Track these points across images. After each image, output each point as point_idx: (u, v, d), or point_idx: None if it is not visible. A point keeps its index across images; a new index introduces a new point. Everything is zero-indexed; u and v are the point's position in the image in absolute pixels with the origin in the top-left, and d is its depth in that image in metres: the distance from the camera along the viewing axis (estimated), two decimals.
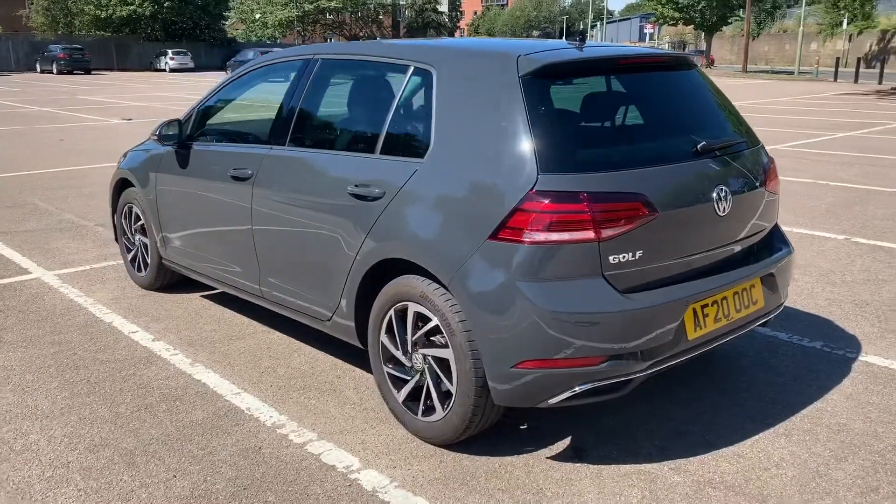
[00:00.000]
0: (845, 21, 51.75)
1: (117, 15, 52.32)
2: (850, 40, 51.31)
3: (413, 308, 3.02)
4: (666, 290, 2.81)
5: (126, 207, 5.10)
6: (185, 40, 55.32)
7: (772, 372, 3.77)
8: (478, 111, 2.90)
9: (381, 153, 3.22)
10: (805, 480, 2.84)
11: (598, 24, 73.51)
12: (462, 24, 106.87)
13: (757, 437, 3.16)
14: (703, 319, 2.90)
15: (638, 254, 2.72)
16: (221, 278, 4.24)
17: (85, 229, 6.78)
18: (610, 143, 3.01)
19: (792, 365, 3.85)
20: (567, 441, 3.13)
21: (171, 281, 5.02)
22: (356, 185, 3.21)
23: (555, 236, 2.63)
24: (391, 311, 3.13)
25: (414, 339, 3.06)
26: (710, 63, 49.14)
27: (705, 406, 3.41)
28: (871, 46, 50.13)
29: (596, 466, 2.94)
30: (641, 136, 3.06)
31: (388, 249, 3.07)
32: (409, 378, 3.13)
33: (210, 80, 37.96)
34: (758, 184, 3.23)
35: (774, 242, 3.41)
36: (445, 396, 2.98)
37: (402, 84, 3.24)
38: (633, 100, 3.16)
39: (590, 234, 2.63)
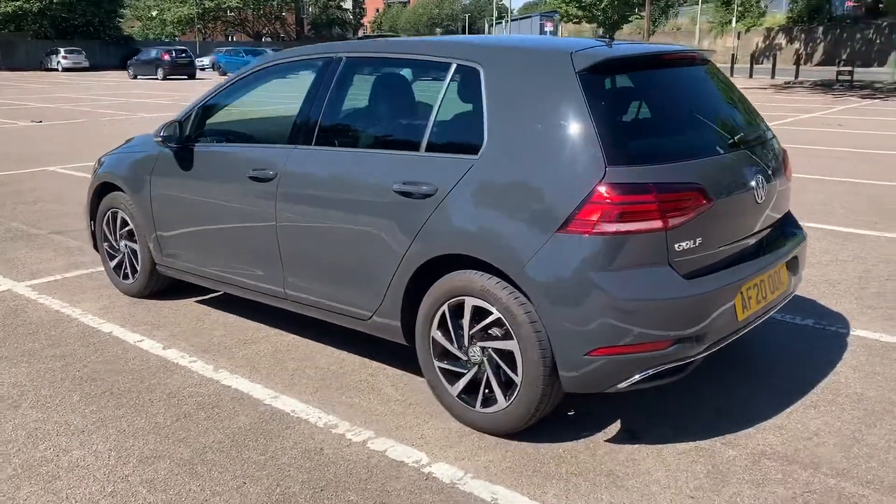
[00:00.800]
0: (734, 19, 54.55)
1: (2, 11, 49.37)
2: (738, 37, 53.96)
3: (471, 302, 3.06)
4: (720, 275, 2.97)
5: (109, 213, 4.89)
6: (77, 38, 52.75)
7: (780, 349, 4.02)
8: (534, 107, 2.97)
9: (426, 151, 3.25)
10: (846, 446, 3.06)
11: (503, 21, 74.63)
12: (364, 20, 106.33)
13: (789, 410, 3.37)
14: (749, 301, 3.08)
15: (698, 241, 2.87)
16: (232, 281, 4.15)
17: (40, 238, 6.44)
18: (665, 136, 3.15)
19: (795, 342, 4.11)
20: (617, 424, 3.26)
21: (161, 287, 4.87)
22: (403, 183, 3.22)
23: (624, 227, 2.74)
24: (444, 307, 3.17)
25: (471, 332, 3.11)
26: None
27: (732, 385, 3.61)
28: (758, 44, 52.85)
29: (654, 446, 3.07)
30: (688, 128, 3.21)
31: (443, 245, 3.10)
32: (464, 371, 3.17)
33: (111, 80, 36.41)
34: (781, 171, 3.45)
35: (792, 228, 3.65)
36: (507, 386, 3.05)
37: (443, 82, 3.27)
38: (674, 94, 3.31)
39: (658, 224, 2.75)
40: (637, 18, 50.77)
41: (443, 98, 3.27)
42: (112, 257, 5.01)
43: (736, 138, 3.19)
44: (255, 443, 3.12)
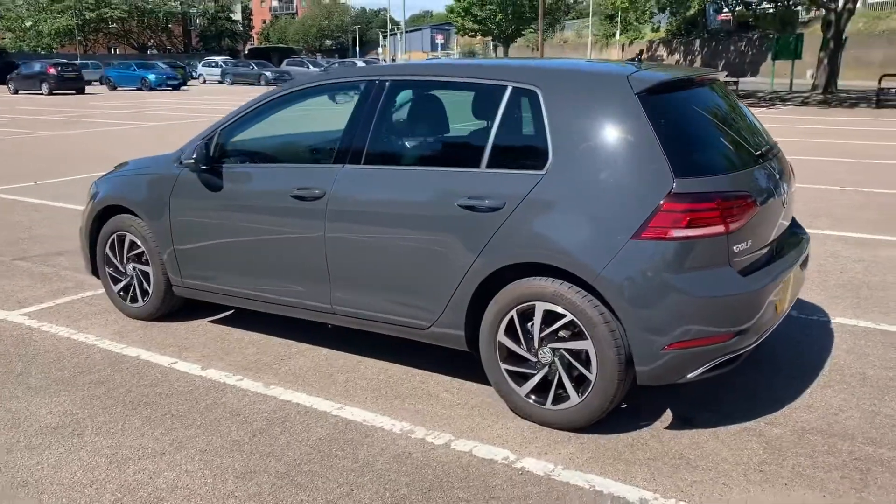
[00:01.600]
0: (618, 32, 57.23)
1: None
2: (622, 50, 56.60)
3: (542, 307, 3.30)
4: (765, 273, 3.33)
5: (114, 237, 4.82)
6: None
7: (778, 338, 4.45)
8: (597, 126, 3.25)
9: (487, 167, 3.47)
10: (869, 418, 3.49)
11: (397, 34, 75.16)
12: (252, 32, 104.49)
13: (809, 391, 3.78)
14: (784, 296, 3.47)
15: (749, 243, 3.22)
16: (266, 299, 4.22)
17: (4, 265, 6.19)
18: (713, 149, 3.48)
19: (791, 331, 4.57)
20: (668, 413, 3.57)
21: (173, 309, 4.85)
22: (469, 198, 3.42)
23: (692, 232, 3.06)
24: (512, 312, 3.39)
25: (542, 335, 3.34)
26: None
27: (750, 373, 3.99)
28: (639, 55, 55.65)
29: (709, 430, 3.40)
30: (727, 142, 3.56)
31: (514, 255, 3.32)
32: (533, 372, 3.40)
33: None
34: (791, 178, 3.88)
35: (798, 229, 4.09)
36: (579, 383, 3.30)
37: (500, 103, 3.50)
38: (709, 111, 3.67)
39: (721, 229, 3.08)
40: (531, 32, 52.44)
41: (500, 118, 3.49)
42: (117, 281, 4.93)
43: (763, 150, 3.59)
44: (343, 452, 3.24)
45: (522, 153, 3.49)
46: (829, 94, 24.23)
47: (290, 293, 4.11)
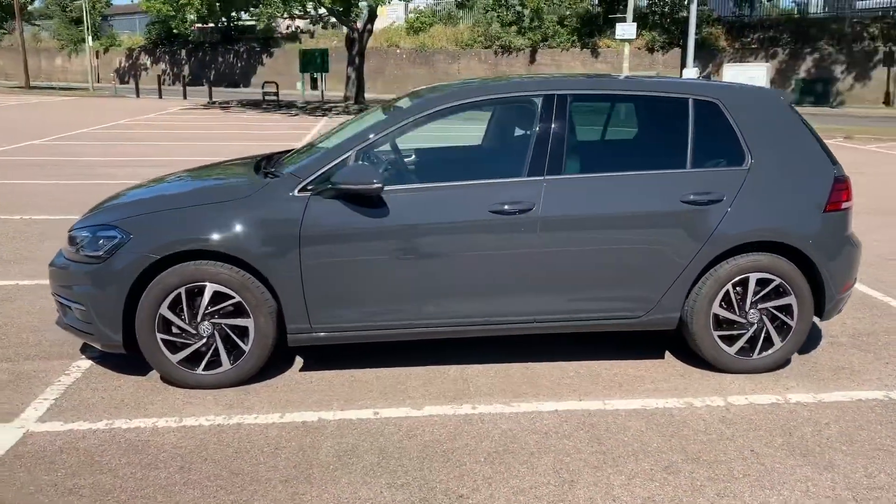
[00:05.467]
0: (90, 38, 53.37)
1: None
2: (98, 56, 53.09)
3: (755, 276, 4.09)
4: None
5: (178, 292, 3.78)
6: None
7: None
8: (776, 131, 4.17)
9: (691, 168, 4.08)
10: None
11: None
12: None
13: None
14: None
15: None
16: (437, 324, 4.00)
17: None
18: None
19: None
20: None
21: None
22: (694, 195, 4.00)
23: (848, 204, 4.24)
24: (727, 286, 4.10)
25: (754, 299, 4.13)
26: None
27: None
28: (121, 62, 53.06)
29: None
30: None
31: (740, 237, 4.02)
32: (743, 332, 4.16)
33: None
34: None
35: None
36: (779, 331, 4.18)
37: (687, 112, 4.13)
38: None
39: (852, 202, 4.33)
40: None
41: (692, 125, 4.13)
42: (178, 348, 3.88)
43: None
44: (666, 431, 3.56)
45: (720, 154, 4.17)
46: (361, 104, 27.33)
47: (475, 313, 4.00)
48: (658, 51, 33.85)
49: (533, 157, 4.01)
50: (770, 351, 4.21)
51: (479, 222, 3.90)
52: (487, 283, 3.98)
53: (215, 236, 3.81)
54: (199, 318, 3.86)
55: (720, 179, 4.09)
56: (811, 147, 4.23)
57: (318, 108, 26.56)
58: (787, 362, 4.32)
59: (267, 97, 27.80)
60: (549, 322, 4.09)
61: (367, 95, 29.18)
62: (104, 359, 4.29)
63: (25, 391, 3.91)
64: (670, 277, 4.07)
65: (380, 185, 3.73)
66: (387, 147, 4.13)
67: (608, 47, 35.02)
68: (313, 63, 29.76)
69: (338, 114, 24.88)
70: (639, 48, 33.09)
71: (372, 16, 26.81)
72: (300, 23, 40.29)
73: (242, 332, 3.90)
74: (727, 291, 4.11)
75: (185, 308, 3.84)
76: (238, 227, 3.82)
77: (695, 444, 3.46)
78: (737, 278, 4.10)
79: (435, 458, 3.30)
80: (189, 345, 3.89)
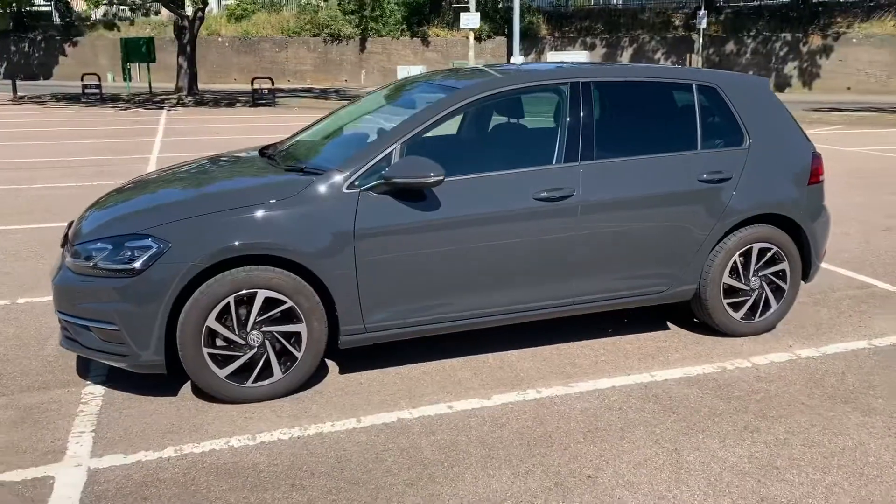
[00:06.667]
0: None
1: None
2: None
3: (757, 246, 4.48)
4: None
5: (227, 301, 3.53)
6: None
7: None
8: (766, 113, 4.58)
9: (702, 149, 4.37)
10: None
11: None
12: None
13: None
14: None
15: None
16: (483, 314, 4.03)
17: None
18: None
19: None
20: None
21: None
22: (707, 174, 4.30)
23: (822, 177, 4.73)
24: (735, 256, 4.45)
25: (756, 267, 4.52)
26: None
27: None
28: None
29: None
30: None
31: (747, 211, 4.37)
32: (747, 298, 4.54)
33: None
34: None
35: None
36: (775, 295, 4.61)
37: (692, 98, 4.42)
38: None
39: (824, 176, 4.84)
40: None
41: (698, 109, 4.42)
42: (225, 362, 3.62)
43: None
44: (721, 394, 3.86)
45: (721, 135, 4.49)
46: (195, 95, 25.89)
47: (520, 299, 4.07)
48: (485, 39, 35.00)
49: (568, 144, 4.12)
50: (769, 313, 4.63)
51: (526, 210, 3.96)
52: (534, 269, 4.05)
53: (268, 239, 3.58)
54: (248, 328, 3.61)
55: (726, 159, 4.42)
56: (793, 127, 4.68)
57: (150, 101, 24.88)
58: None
59: (87, 90, 25.55)
60: (587, 303, 4.24)
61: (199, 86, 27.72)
62: (112, 381, 3.90)
63: (49, 426, 3.47)
64: (692, 252, 4.35)
65: (440, 178, 3.67)
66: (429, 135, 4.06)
67: (437, 36, 35.74)
68: (137, 52, 27.73)
69: (172, 106, 23.50)
70: (465, 37, 34.01)
71: (204, 2, 25.47)
72: (102, 9, 37.06)
73: (294, 338, 3.70)
74: (734, 262, 4.47)
75: (233, 318, 3.58)
76: (290, 229, 3.62)
77: (753, 402, 3.75)
78: (742, 249, 4.46)
79: (538, 443, 3.34)
80: (237, 357, 3.63)
